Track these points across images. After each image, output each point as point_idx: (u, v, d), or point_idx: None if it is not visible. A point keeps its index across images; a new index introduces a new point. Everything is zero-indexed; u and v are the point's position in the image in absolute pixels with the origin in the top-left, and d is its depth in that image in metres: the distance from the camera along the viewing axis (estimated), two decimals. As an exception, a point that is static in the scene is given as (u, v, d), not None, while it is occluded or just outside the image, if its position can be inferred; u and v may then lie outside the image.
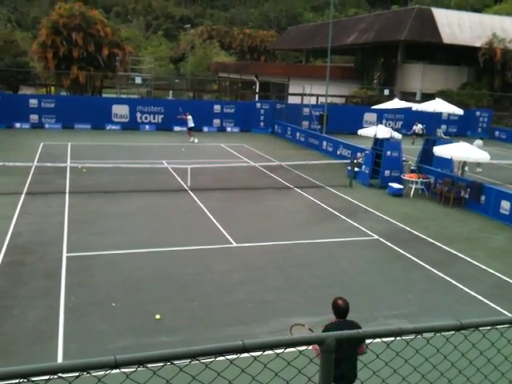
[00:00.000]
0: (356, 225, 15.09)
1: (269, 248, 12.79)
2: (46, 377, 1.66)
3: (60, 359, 7.51)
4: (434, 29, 44.51)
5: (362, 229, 14.73)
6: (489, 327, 2.35)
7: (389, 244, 13.50)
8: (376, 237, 14.05)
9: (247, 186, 19.30)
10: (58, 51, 37.62)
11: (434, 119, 23.55)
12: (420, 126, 32.34)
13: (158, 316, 8.87)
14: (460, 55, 46.94)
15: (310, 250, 12.83)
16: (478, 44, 44.38)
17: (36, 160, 21.78)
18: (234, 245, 12.87)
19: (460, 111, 22.04)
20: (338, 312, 5.69)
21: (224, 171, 20.94)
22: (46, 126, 32.28)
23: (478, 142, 26.04)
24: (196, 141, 29.22)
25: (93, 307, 9.19)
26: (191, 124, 29.67)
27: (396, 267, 11.99)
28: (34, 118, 32.19)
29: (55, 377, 1.69)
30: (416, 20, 44.71)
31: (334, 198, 18.35)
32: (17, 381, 1.66)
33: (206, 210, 15.75)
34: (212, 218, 15.01)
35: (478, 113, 39.16)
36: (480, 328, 2.32)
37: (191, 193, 17.79)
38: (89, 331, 8.37)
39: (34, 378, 1.66)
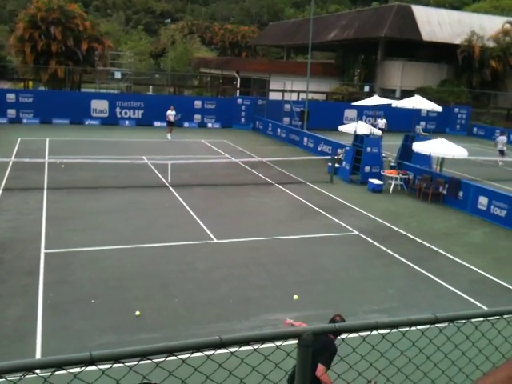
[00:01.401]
0: (337, 221, 15.19)
1: (251, 244, 12.80)
2: (21, 373, 1.64)
3: (38, 357, 7.43)
4: (413, 26, 44.89)
5: (343, 225, 14.84)
6: (463, 321, 2.39)
7: (370, 240, 13.62)
8: (357, 233, 14.17)
9: (228, 182, 19.29)
10: (36, 45, 37.07)
11: (413, 116, 23.75)
12: (384, 120, 30.85)
13: (137, 312, 8.83)
14: (439, 52, 47.43)
15: (291, 246, 12.87)
16: (457, 41, 44.90)
17: (13, 155, 21.44)
18: (216, 241, 12.85)
19: (439, 108, 22.31)
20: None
21: (205, 167, 20.90)
22: (24, 120, 31.79)
23: (502, 138, 26.67)
24: (169, 138, 28.89)
25: (72, 305, 9.11)
26: (170, 119, 29.29)
27: (377, 263, 12.10)
28: (11, 112, 31.65)
29: (30, 374, 1.67)
30: (396, 17, 45.05)
31: (316, 194, 18.44)
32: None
33: (187, 207, 15.69)
34: (193, 214, 14.97)
35: (456, 109, 39.64)
36: (455, 321, 2.36)
37: (172, 189, 17.71)
38: (68, 329, 8.30)
39: (8, 376, 1.64)
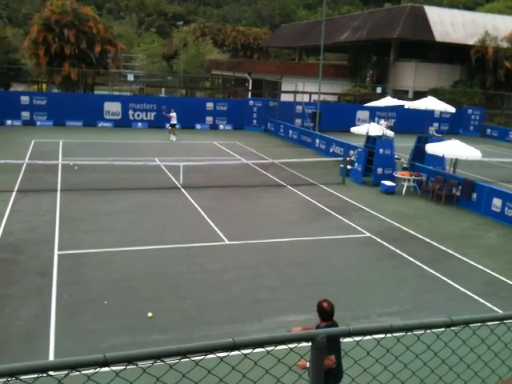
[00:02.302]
0: (349, 223, 15.12)
1: (262, 246, 12.79)
2: (35, 375, 1.65)
3: (51, 358, 7.48)
4: (426, 27, 44.61)
5: (355, 227, 14.76)
6: (479, 324, 2.36)
7: (381, 242, 13.54)
8: (369, 234, 14.09)
9: (240, 183, 19.29)
10: (49, 48, 37.39)
11: (426, 117, 23.59)
12: (387, 122, 30.27)
13: (150, 314, 8.86)
14: (452, 53, 47.08)
15: (303, 248, 12.84)
16: (470, 42, 44.54)
17: (27, 157, 21.65)
18: (227, 243, 12.86)
19: (452, 109, 22.11)
20: (325, 314, 5.63)
21: (217, 169, 20.93)
22: (38, 123, 32.09)
23: None
24: (174, 139, 28.91)
25: (85, 306, 9.16)
26: (174, 121, 29.29)
27: (388, 265, 12.02)
28: (25, 114, 31.98)
29: (44, 375, 1.68)
30: (409, 18, 44.79)
31: (327, 195, 18.37)
32: (5, 379, 1.64)
33: (198, 208, 15.72)
34: (205, 216, 14.99)
35: (470, 111, 39.32)
36: (470, 325, 2.33)
37: (184, 191, 17.76)
38: (81, 330, 8.34)
39: (22, 377, 1.64)
